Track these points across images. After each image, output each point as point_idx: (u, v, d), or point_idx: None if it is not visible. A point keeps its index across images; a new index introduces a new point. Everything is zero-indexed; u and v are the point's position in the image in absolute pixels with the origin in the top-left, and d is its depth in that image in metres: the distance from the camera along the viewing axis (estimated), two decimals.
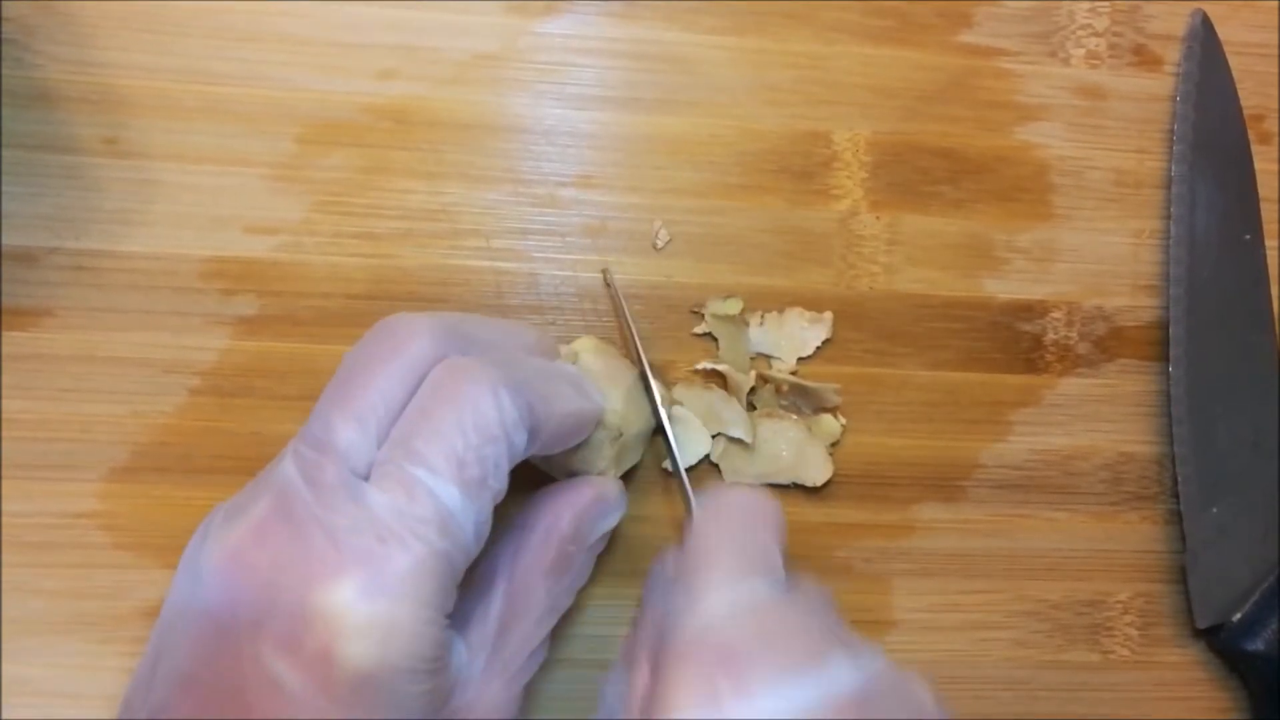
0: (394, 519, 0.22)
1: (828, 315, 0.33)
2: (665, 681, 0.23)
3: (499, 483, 0.24)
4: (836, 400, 0.33)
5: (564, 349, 0.30)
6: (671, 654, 0.23)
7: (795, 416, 0.33)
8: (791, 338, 0.33)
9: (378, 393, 0.24)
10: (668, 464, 0.32)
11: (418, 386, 0.24)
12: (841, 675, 0.23)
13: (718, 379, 0.33)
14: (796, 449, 0.33)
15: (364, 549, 0.22)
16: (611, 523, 0.28)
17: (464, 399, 0.24)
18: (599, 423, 0.28)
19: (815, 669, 0.23)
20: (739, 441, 0.32)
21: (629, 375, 0.30)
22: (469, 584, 0.26)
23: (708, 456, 0.32)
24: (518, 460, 0.25)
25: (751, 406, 0.33)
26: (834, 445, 0.33)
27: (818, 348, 0.33)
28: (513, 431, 0.24)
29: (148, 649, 0.24)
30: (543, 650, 0.28)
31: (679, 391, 0.32)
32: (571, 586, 0.28)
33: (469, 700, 0.25)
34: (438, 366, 0.24)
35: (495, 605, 0.26)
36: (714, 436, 0.32)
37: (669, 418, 0.30)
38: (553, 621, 0.27)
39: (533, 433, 0.24)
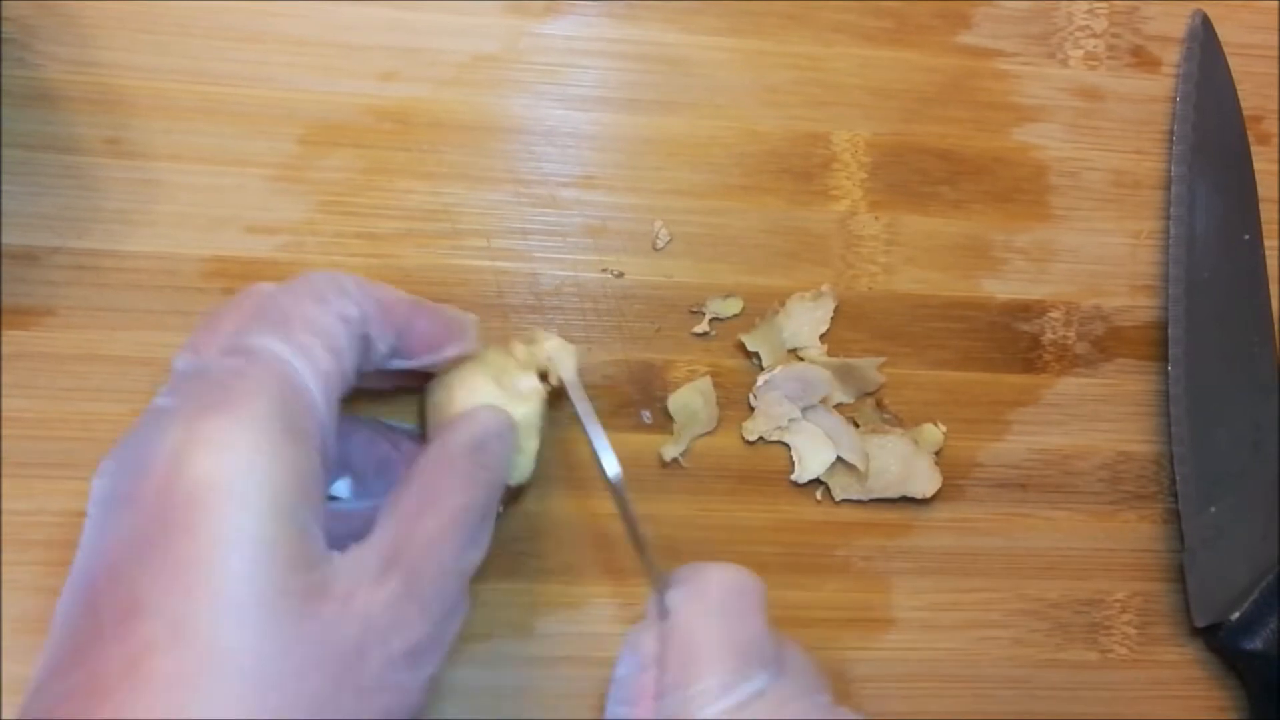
0: (222, 373, 0.23)
1: (826, 288, 0.33)
2: None
3: (336, 342, 0.24)
4: (880, 378, 0.33)
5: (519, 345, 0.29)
6: None
7: (900, 430, 0.33)
8: (804, 321, 0.33)
9: (230, 316, 0.24)
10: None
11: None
12: None
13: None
14: (903, 462, 0.33)
15: (194, 395, 0.23)
16: (481, 439, 0.26)
17: (300, 284, 0.25)
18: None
19: None
20: (846, 460, 0.33)
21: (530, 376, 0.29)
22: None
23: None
24: (371, 342, 0.25)
25: (854, 424, 0.33)
26: (937, 454, 0.33)
27: (822, 335, 0.33)
28: (344, 304, 0.24)
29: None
30: (460, 602, 0.25)
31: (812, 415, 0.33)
32: (477, 518, 0.26)
33: (349, 588, 0.23)
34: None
35: (384, 527, 0.24)
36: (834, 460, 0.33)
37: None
38: (460, 553, 0.25)
39: (377, 312, 0.25)
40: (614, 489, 0.27)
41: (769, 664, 0.25)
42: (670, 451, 0.32)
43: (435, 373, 0.28)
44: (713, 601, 0.26)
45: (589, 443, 0.28)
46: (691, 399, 0.32)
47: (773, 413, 0.33)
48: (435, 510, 0.25)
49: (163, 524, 0.21)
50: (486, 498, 0.26)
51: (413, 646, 0.23)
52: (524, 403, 0.28)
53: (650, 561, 0.27)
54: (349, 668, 0.22)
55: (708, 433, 0.33)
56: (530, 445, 0.28)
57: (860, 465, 0.32)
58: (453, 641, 0.25)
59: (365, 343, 0.25)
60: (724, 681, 0.24)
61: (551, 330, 0.32)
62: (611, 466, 0.27)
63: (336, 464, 0.26)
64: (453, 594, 0.25)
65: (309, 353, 0.23)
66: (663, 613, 0.26)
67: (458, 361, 0.28)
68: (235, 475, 0.21)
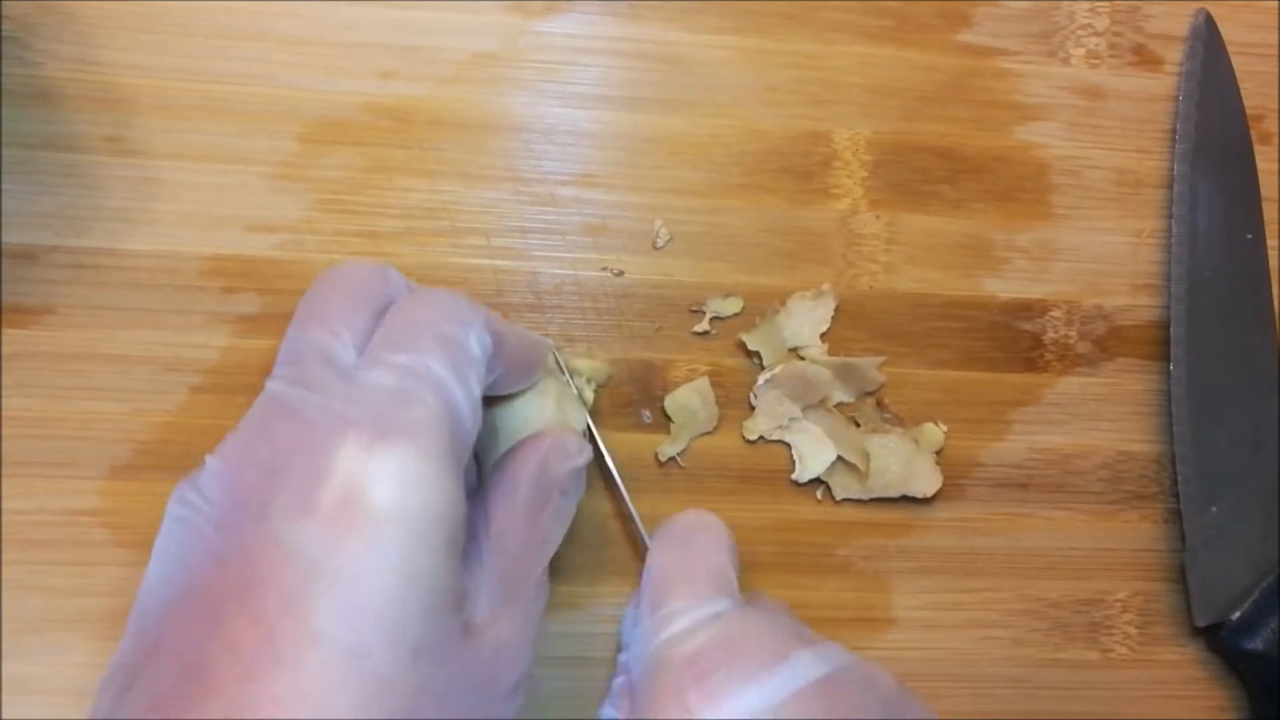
0: (392, 388, 0.22)
1: (827, 287, 0.33)
2: (640, 705, 0.24)
3: (478, 370, 0.24)
4: (881, 377, 0.33)
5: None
6: (644, 678, 0.24)
7: (900, 430, 0.33)
8: (805, 320, 0.33)
9: (346, 308, 0.24)
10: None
11: (380, 315, 0.24)
12: (804, 668, 0.23)
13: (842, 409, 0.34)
14: (904, 462, 0.33)
15: (370, 408, 0.22)
16: (577, 463, 0.27)
17: (434, 299, 0.24)
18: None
19: (779, 667, 0.23)
20: (846, 460, 0.33)
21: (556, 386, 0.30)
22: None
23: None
24: (484, 373, 0.25)
25: (855, 423, 0.33)
26: (938, 453, 0.33)
27: (823, 334, 0.33)
28: (480, 330, 0.24)
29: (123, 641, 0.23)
30: (543, 589, 0.27)
31: (815, 416, 0.33)
32: (552, 524, 0.27)
33: (484, 622, 0.24)
34: (405, 294, 0.25)
35: (483, 547, 0.25)
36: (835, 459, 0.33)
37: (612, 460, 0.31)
38: (544, 556, 0.27)
39: (495, 341, 0.25)
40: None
41: (733, 593, 0.27)
42: (667, 451, 0.32)
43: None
44: (677, 537, 0.28)
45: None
46: (689, 399, 0.32)
47: (773, 412, 0.33)
48: (537, 545, 0.26)
49: (341, 549, 0.20)
50: (567, 523, 0.27)
51: (521, 677, 0.24)
52: (578, 420, 0.29)
53: (637, 526, 0.30)
54: (488, 699, 0.23)
55: (707, 432, 0.33)
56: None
57: (861, 465, 0.32)
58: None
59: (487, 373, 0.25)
60: (687, 603, 0.26)
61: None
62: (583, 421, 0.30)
63: None
64: (541, 599, 0.27)
65: (467, 382, 0.23)
66: (647, 564, 0.28)
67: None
68: (419, 510, 0.21)
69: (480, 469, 0.29)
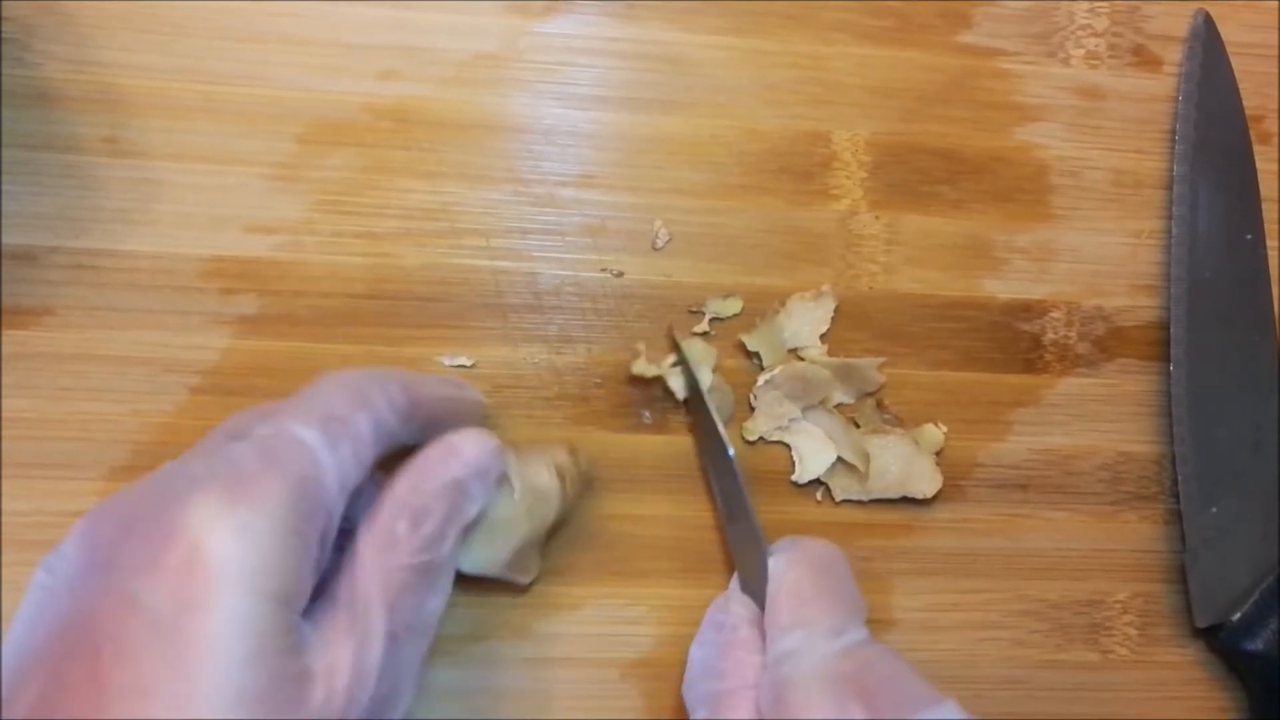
0: (254, 454, 0.23)
1: (826, 288, 0.33)
2: (796, 710, 0.25)
3: (362, 442, 0.25)
4: (880, 378, 0.33)
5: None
6: (799, 688, 0.26)
7: (900, 431, 0.33)
8: (805, 320, 0.33)
9: (298, 400, 0.25)
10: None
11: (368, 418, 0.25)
12: (953, 713, 0.25)
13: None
14: (904, 463, 0.33)
15: (223, 473, 0.23)
16: (459, 473, 0.26)
17: (338, 380, 0.26)
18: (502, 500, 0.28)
19: (937, 707, 0.25)
20: (846, 461, 0.33)
21: (542, 474, 0.29)
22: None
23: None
24: (394, 435, 0.26)
25: (855, 424, 0.33)
26: (938, 454, 0.33)
27: (823, 335, 0.33)
28: (376, 397, 0.25)
29: None
30: (421, 631, 0.26)
31: (815, 415, 0.33)
32: (425, 546, 0.25)
33: (328, 666, 0.23)
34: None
35: (340, 583, 0.25)
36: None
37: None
38: (413, 589, 0.25)
39: (407, 406, 0.26)
40: (728, 468, 0.31)
41: (864, 625, 0.28)
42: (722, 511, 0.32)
43: None
44: (817, 561, 0.28)
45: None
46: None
47: (773, 413, 0.33)
48: (396, 562, 0.25)
49: (180, 600, 0.21)
50: (450, 541, 0.26)
51: (381, 699, 0.24)
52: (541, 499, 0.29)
53: (755, 530, 0.29)
54: None
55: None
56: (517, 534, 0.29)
57: (861, 466, 0.32)
58: (417, 681, 0.26)
59: (391, 438, 0.26)
60: (835, 624, 0.27)
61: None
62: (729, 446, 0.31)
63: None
64: (416, 648, 0.26)
65: (339, 451, 0.24)
66: (761, 579, 0.28)
67: None
68: (253, 561, 0.22)
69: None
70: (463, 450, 0.26)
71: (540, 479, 0.29)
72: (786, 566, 0.28)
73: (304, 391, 0.26)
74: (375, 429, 0.25)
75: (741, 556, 0.31)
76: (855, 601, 0.28)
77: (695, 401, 0.32)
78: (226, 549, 0.22)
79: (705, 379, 0.32)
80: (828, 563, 0.29)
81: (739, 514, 0.31)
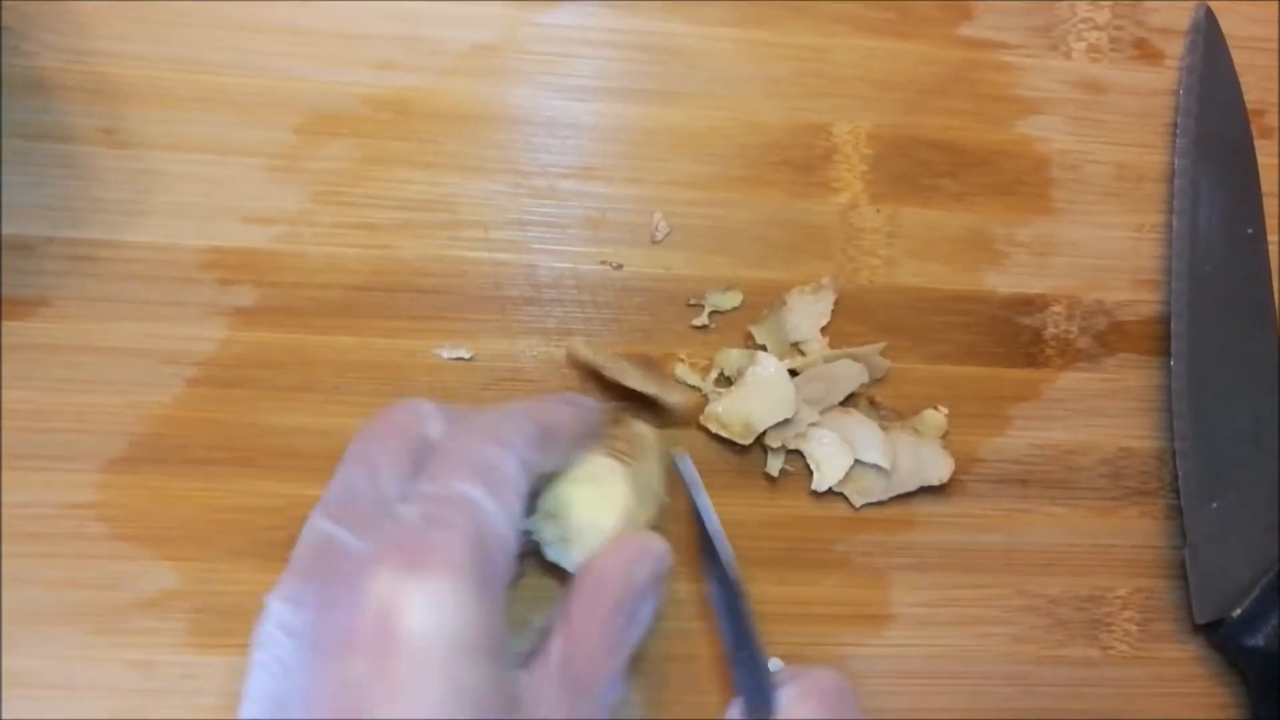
0: (421, 516, 0.24)
1: (826, 281, 0.33)
2: None
3: (516, 482, 0.25)
4: (886, 363, 0.33)
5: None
6: None
7: (900, 423, 0.33)
8: (805, 314, 0.33)
9: (385, 448, 0.26)
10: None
11: (418, 449, 0.26)
12: None
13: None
14: (912, 453, 0.33)
15: (399, 539, 0.23)
16: (656, 570, 0.28)
17: (474, 427, 0.26)
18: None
19: None
20: (861, 464, 0.32)
21: (654, 466, 0.31)
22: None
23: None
24: (536, 465, 0.27)
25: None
26: (943, 438, 0.33)
27: (823, 328, 0.33)
28: (521, 446, 0.26)
29: None
30: (617, 686, 0.28)
31: (834, 418, 0.32)
32: (631, 627, 0.28)
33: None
34: (451, 423, 0.27)
35: (555, 644, 0.26)
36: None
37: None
38: (620, 657, 0.27)
39: (539, 436, 0.27)
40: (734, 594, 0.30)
41: None
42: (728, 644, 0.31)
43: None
44: (827, 698, 0.28)
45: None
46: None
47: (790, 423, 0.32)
48: (612, 648, 0.27)
49: (384, 677, 0.22)
50: (646, 625, 0.28)
51: None
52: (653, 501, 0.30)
53: (761, 661, 0.29)
54: None
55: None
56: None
57: (886, 464, 0.32)
58: None
59: (534, 469, 0.27)
60: None
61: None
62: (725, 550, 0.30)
63: None
64: (614, 694, 0.27)
65: (503, 499, 0.25)
66: (765, 709, 0.28)
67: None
68: (454, 628, 0.22)
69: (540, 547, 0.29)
70: (654, 555, 0.28)
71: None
72: (795, 701, 0.28)
73: (445, 447, 0.26)
74: (521, 467, 0.26)
75: (745, 684, 0.30)
76: None
77: (699, 529, 0.31)
78: (420, 619, 0.22)
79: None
80: (837, 700, 0.28)
81: (744, 641, 0.30)
